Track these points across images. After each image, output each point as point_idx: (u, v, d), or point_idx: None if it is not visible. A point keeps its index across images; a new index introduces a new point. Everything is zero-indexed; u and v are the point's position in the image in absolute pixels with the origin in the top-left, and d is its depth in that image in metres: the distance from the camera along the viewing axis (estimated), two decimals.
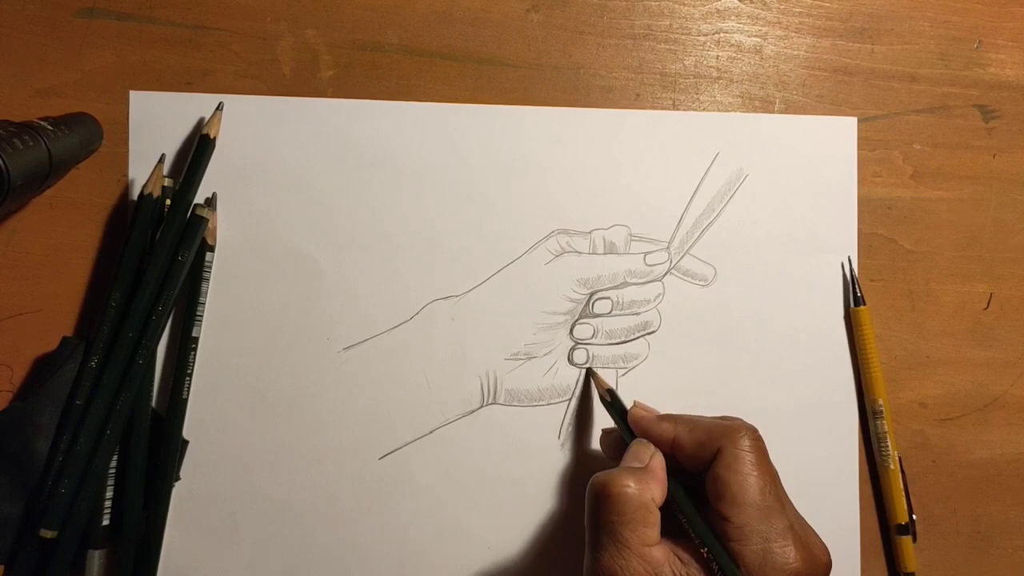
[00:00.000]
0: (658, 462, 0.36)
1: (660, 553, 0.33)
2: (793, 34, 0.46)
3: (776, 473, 0.35)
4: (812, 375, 0.45)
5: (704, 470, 0.35)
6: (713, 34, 0.45)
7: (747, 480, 0.34)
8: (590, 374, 0.43)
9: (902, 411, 0.46)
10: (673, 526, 0.35)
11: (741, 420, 0.37)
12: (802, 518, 0.36)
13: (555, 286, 0.43)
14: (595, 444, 0.43)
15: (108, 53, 0.42)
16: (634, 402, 0.40)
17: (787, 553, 0.32)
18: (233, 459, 0.42)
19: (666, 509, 0.35)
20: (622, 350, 0.44)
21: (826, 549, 0.35)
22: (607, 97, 0.44)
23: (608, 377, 0.44)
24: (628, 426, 0.39)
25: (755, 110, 0.45)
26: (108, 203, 0.42)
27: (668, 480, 0.36)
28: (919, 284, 0.46)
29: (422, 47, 0.44)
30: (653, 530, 0.34)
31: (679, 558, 0.33)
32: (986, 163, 0.47)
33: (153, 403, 0.41)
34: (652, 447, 0.37)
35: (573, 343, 0.43)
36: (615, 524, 0.33)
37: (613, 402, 0.41)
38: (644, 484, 0.34)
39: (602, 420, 0.43)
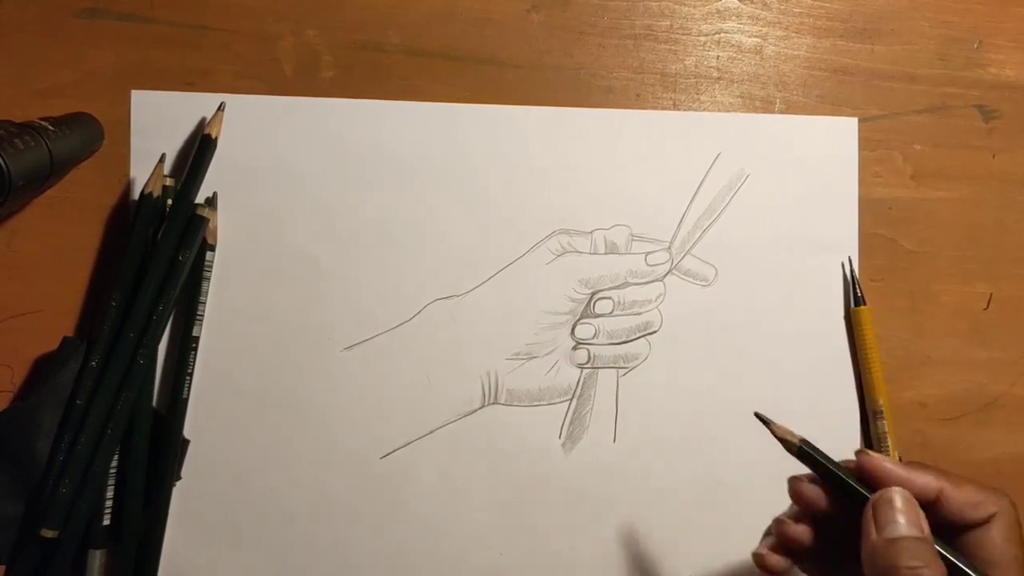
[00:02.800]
0: (928, 528, 0.31)
1: None
2: (793, 34, 0.46)
3: None
4: (813, 375, 0.45)
5: (956, 527, 0.32)
6: (713, 34, 0.45)
7: (1019, 551, 0.33)
8: (767, 424, 0.34)
9: (902, 411, 0.46)
10: None
11: (997, 488, 0.34)
12: None
13: (556, 286, 0.43)
14: (595, 444, 0.43)
15: (109, 53, 0.42)
16: (863, 450, 0.34)
17: None
18: (233, 459, 0.42)
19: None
20: (623, 350, 0.44)
21: None
22: (608, 97, 0.45)
23: (608, 377, 0.43)
24: (852, 478, 0.33)
25: (756, 110, 0.45)
26: (109, 203, 0.42)
27: (945, 548, 0.31)
28: (919, 284, 0.46)
29: (423, 47, 0.44)
30: None
31: None
32: (986, 163, 0.47)
33: (154, 403, 0.41)
34: (921, 511, 0.31)
35: (574, 343, 0.44)
36: None
37: (817, 458, 0.33)
38: (934, 564, 0.30)
39: (604, 420, 0.43)
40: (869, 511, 0.32)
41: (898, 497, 0.32)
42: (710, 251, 0.44)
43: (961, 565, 0.31)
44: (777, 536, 0.34)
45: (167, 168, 0.41)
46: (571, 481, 0.43)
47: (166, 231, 0.40)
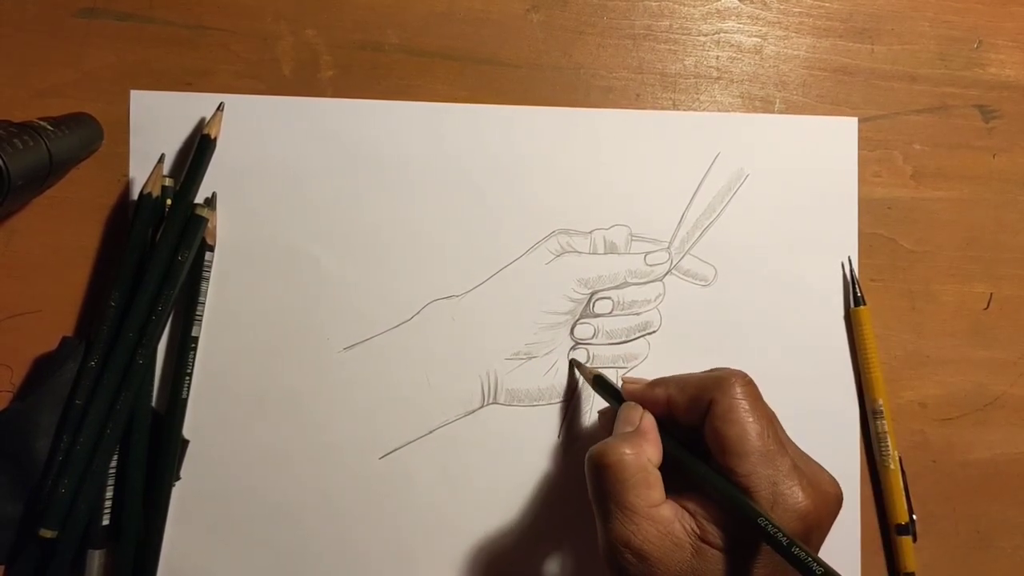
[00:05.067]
0: (648, 422, 0.36)
1: (668, 511, 0.33)
2: (793, 34, 0.46)
3: (773, 415, 0.35)
4: (812, 375, 0.45)
5: (702, 425, 0.35)
6: (713, 34, 0.45)
7: (744, 428, 0.33)
8: (574, 364, 0.43)
9: (902, 411, 0.46)
10: (675, 485, 0.34)
11: (729, 369, 0.36)
12: (806, 455, 0.35)
13: (555, 286, 0.43)
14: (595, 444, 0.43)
15: (108, 53, 0.42)
16: (622, 378, 0.40)
17: (795, 493, 0.32)
18: (233, 459, 0.42)
19: (666, 468, 0.35)
20: (622, 350, 0.44)
21: (834, 481, 0.35)
22: (607, 97, 0.44)
23: (608, 377, 0.43)
24: (621, 402, 0.39)
25: (755, 110, 0.45)
26: (108, 203, 0.42)
27: (663, 438, 0.35)
28: (919, 284, 0.46)
29: (422, 47, 0.44)
30: (656, 491, 0.33)
31: (687, 510, 0.33)
32: (986, 163, 0.47)
33: (153, 403, 0.41)
34: (640, 408, 0.37)
35: (573, 343, 0.43)
36: (618, 492, 0.33)
37: (604, 385, 0.40)
38: (639, 447, 0.34)
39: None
40: (617, 418, 0.37)
41: (624, 406, 0.38)
42: (710, 251, 0.44)
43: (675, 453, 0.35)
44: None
45: (166, 168, 0.41)
46: (571, 481, 0.43)
47: (165, 231, 0.40)
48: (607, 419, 0.41)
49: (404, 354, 0.43)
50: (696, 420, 0.36)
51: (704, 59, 0.45)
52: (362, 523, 0.42)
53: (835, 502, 0.35)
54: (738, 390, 0.34)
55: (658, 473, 0.34)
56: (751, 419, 0.34)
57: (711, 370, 0.38)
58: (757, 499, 0.32)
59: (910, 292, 0.46)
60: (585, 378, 0.42)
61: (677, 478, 0.35)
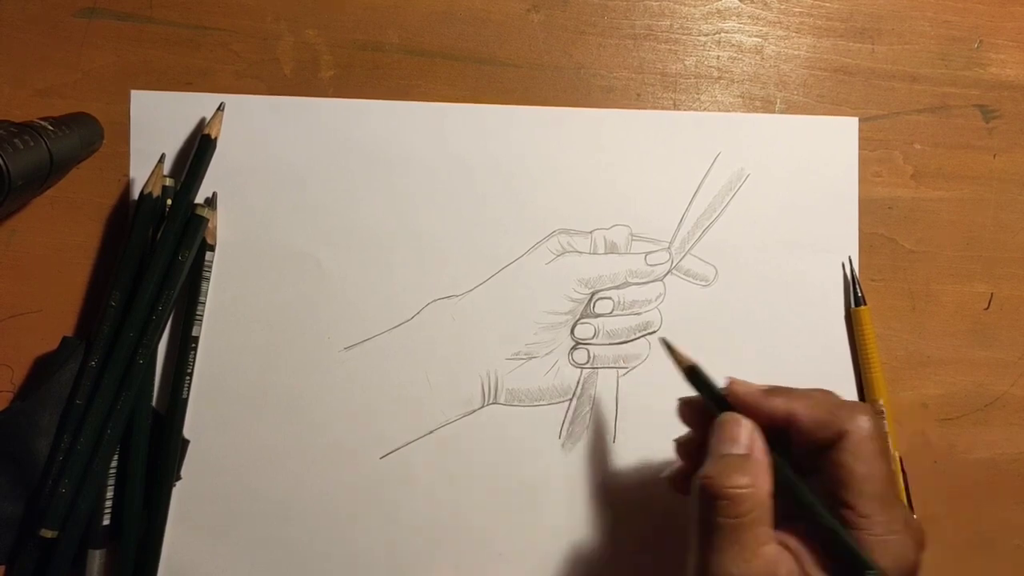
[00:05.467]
0: (761, 448, 0.33)
1: (772, 551, 0.31)
2: (794, 34, 0.46)
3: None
4: (813, 375, 0.45)
5: (818, 450, 0.33)
6: (714, 34, 0.45)
7: (873, 468, 0.32)
8: (666, 345, 0.37)
9: (903, 411, 0.46)
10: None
11: (857, 401, 0.34)
12: (903, 504, 0.34)
13: (556, 286, 0.43)
14: (594, 444, 0.43)
15: (108, 53, 0.42)
16: (729, 379, 0.36)
17: (907, 547, 0.31)
18: (233, 459, 0.41)
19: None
20: (623, 350, 0.44)
21: (923, 532, 0.33)
22: (608, 97, 0.44)
23: (608, 377, 0.43)
24: (718, 403, 0.35)
25: (756, 110, 0.45)
26: (108, 203, 0.42)
27: (781, 467, 0.33)
28: (919, 284, 0.46)
29: (423, 47, 0.44)
30: (768, 528, 0.32)
31: (789, 549, 0.32)
32: (986, 163, 0.47)
33: (153, 403, 0.41)
34: (747, 425, 0.34)
35: (574, 343, 0.43)
36: (732, 528, 0.31)
37: (700, 380, 0.36)
38: (758, 480, 0.32)
39: (604, 419, 0.43)
40: (712, 432, 0.34)
41: (724, 418, 0.34)
42: (710, 251, 0.44)
43: (792, 484, 0.33)
44: (676, 452, 0.37)
45: (166, 168, 0.41)
46: (571, 481, 0.43)
47: (165, 231, 0.40)
48: (693, 411, 0.37)
49: (404, 354, 0.43)
50: (812, 445, 0.33)
51: (705, 59, 0.45)
52: (362, 523, 0.42)
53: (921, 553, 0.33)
54: (872, 426, 0.33)
55: (771, 508, 0.32)
56: (881, 460, 0.32)
57: (824, 391, 0.35)
58: (868, 544, 0.31)
59: (910, 292, 0.46)
60: (678, 365, 0.37)
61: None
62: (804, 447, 0.34)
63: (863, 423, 0.33)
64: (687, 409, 0.38)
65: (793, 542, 0.32)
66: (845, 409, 0.33)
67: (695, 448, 0.36)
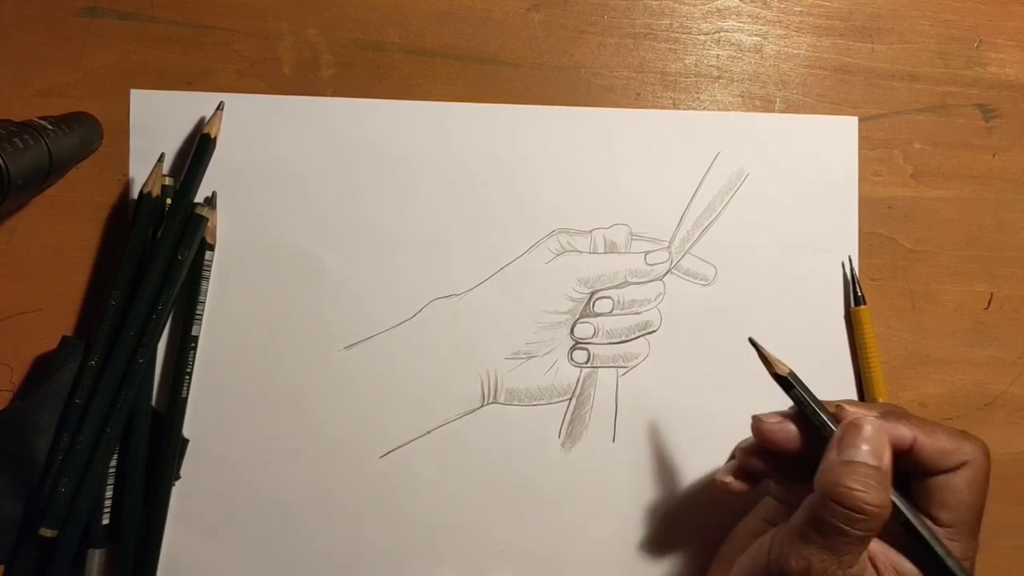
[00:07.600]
0: (890, 464, 0.33)
1: (865, 559, 0.33)
2: (793, 33, 0.46)
3: None
4: (812, 374, 0.44)
5: (927, 474, 0.35)
6: (713, 33, 0.45)
7: (980, 500, 0.34)
8: (757, 349, 0.37)
9: None
10: None
11: (968, 432, 0.36)
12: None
13: (556, 285, 0.43)
14: (594, 444, 0.43)
15: (109, 52, 0.42)
16: (840, 404, 0.36)
17: (972, 571, 0.34)
18: (233, 458, 0.41)
19: None
20: (622, 349, 0.44)
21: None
22: (608, 96, 0.44)
23: (608, 376, 0.43)
24: (823, 411, 0.35)
25: (755, 109, 0.45)
26: (108, 202, 0.42)
27: (896, 491, 0.34)
28: (919, 284, 0.46)
29: (423, 46, 0.44)
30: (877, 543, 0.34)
31: (874, 563, 0.34)
32: (986, 163, 0.47)
33: (153, 402, 0.41)
34: (887, 440, 0.34)
35: (573, 342, 0.43)
36: (858, 539, 0.32)
37: (802, 393, 0.36)
38: (888, 497, 0.33)
39: (604, 419, 0.43)
40: (836, 435, 0.34)
41: (868, 425, 0.34)
42: (710, 250, 0.44)
43: (904, 511, 0.34)
44: (740, 461, 0.37)
45: (166, 167, 0.41)
46: (571, 481, 0.43)
47: (165, 230, 0.40)
48: (781, 429, 0.36)
49: (405, 353, 0.43)
50: (926, 469, 0.35)
51: (704, 58, 0.45)
52: (362, 522, 0.42)
53: None
54: (988, 461, 0.35)
55: None
56: (984, 494, 0.35)
57: (944, 428, 0.36)
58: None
59: (910, 291, 0.46)
60: (775, 371, 0.36)
61: None
62: (914, 470, 0.35)
63: (984, 457, 0.35)
64: (781, 427, 0.36)
65: (877, 551, 0.34)
66: (968, 441, 0.35)
67: (759, 455, 0.37)
